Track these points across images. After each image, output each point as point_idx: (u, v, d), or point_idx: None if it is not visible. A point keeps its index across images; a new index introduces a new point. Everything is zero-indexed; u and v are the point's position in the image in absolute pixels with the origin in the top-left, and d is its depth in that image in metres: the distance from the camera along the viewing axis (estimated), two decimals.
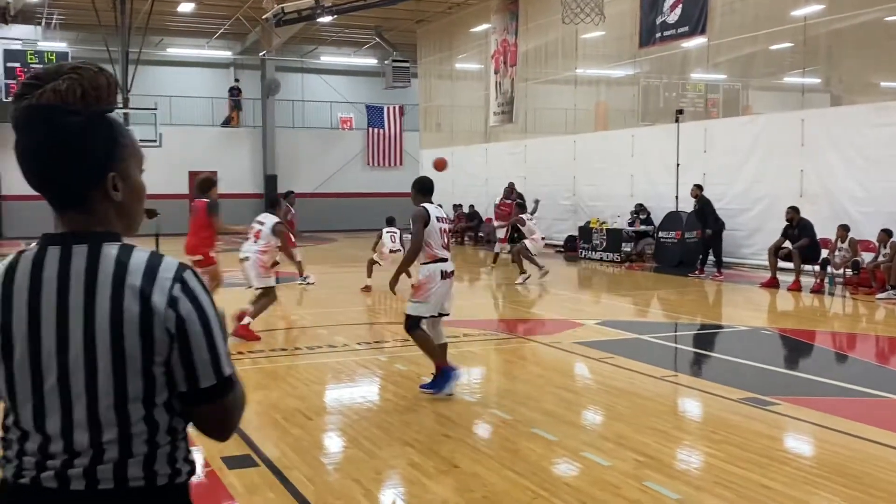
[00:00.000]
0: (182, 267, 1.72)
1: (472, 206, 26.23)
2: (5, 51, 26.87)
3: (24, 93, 1.70)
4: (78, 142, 1.69)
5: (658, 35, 19.31)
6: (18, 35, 26.85)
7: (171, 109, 31.30)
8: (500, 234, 18.49)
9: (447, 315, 7.27)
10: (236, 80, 33.63)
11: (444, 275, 7.00)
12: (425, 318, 7.03)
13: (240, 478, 5.08)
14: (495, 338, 10.29)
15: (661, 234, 18.95)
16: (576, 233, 21.73)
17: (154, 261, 1.69)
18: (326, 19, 24.83)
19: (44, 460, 1.65)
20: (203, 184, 10.23)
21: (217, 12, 28.07)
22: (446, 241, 7.06)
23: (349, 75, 35.62)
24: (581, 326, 10.78)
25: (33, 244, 1.73)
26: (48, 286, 1.65)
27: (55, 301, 1.65)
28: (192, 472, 1.78)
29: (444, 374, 7.05)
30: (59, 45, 28.77)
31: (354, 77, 35.66)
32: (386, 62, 30.90)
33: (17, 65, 26.82)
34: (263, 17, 23.92)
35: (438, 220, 7.01)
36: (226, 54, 33.81)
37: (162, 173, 31.22)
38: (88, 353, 1.63)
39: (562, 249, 22.34)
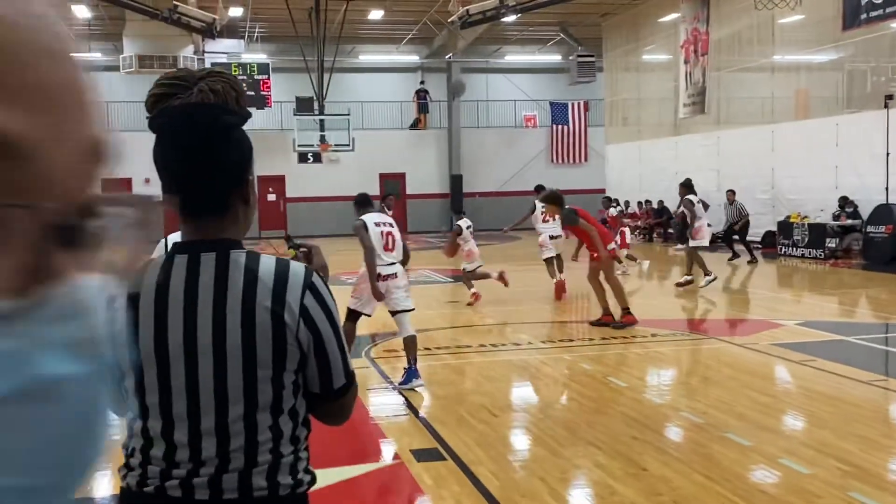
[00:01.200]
0: (309, 272, 1.71)
1: (660, 202, 25.52)
2: (212, 64, 28.92)
3: (171, 92, 1.67)
4: (234, 141, 1.68)
5: (864, 16, 17.96)
6: (224, 49, 28.81)
7: (363, 114, 32.55)
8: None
9: (369, 315, 7.65)
10: (421, 83, 34.47)
11: (380, 277, 7.24)
12: (363, 313, 7.51)
13: (427, 470, 5.18)
14: (686, 338, 9.95)
15: (869, 229, 17.65)
16: (774, 228, 20.65)
17: (282, 268, 1.68)
18: (510, 18, 24.97)
19: (169, 469, 1.65)
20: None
21: (405, 18, 28.90)
22: (389, 243, 7.38)
23: (533, 73, 35.62)
24: (780, 327, 10.20)
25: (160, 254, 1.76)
26: (175, 296, 1.64)
27: (182, 312, 1.64)
28: (313, 482, 1.77)
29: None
30: (260, 57, 30.64)
31: (538, 74, 35.63)
32: (570, 58, 30.69)
33: None
34: (449, 20, 24.39)
35: (377, 225, 7.41)
36: (413, 59, 34.73)
37: (355, 176, 32.52)
38: (218, 364, 1.63)
39: (759, 246, 21.29)
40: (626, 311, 10.27)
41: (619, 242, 15.95)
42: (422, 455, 5.48)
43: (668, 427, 6.22)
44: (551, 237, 13.53)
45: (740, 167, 22.50)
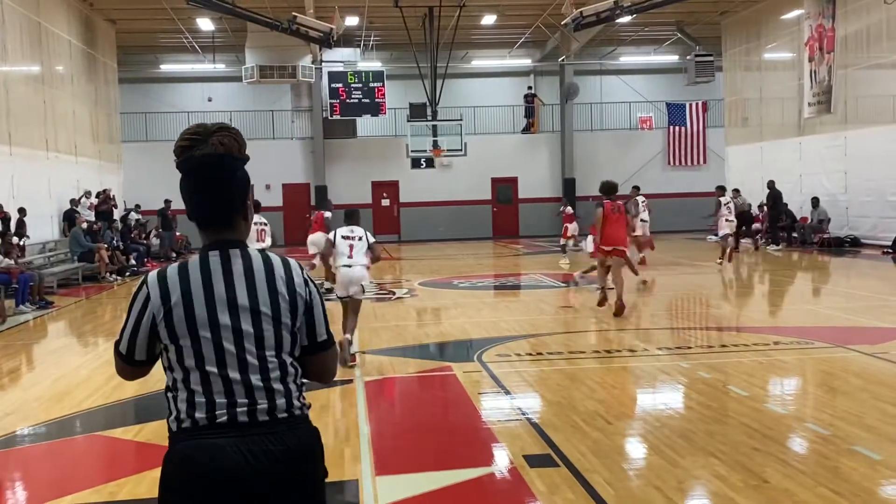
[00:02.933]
0: (298, 262, 2.45)
1: (784, 205, 24.61)
2: (329, 73, 29.64)
3: (192, 145, 2.35)
4: (240, 180, 2.39)
5: None
6: (340, 58, 29.46)
7: (475, 119, 32.68)
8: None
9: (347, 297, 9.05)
10: (529, 88, 34.41)
11: (346, 267, 8.95)
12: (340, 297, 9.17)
13: (541, 476, 5.15)
14: (810, 346, 9.55)
15: None
16: None
17: (284, 259, 2.44)
18: (625, 19, 24.59)
19: (233, 400, 2.26)
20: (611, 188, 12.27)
21: (518, 22, 28.88)
22: (349, 251, 8.93)
23: (648, 74, 35.00)
24: None
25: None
26: (216, 279, 2.32)
27: (224, 289, 2.31)
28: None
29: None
30: (375, 65, 31.19)
31: (654, 75, 34.97)
32: (688, 58, 29.95)
33: (339, 85, 29.47)
34: (563, 22, 24.21)
35: (344, 238, 9.02)
36: (525, 62, 34.66)
37: (467, 181, 32.74)
38: (255, 319, 2.31)
39: (890, 250, 20.26)
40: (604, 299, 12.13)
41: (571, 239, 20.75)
42: (535, 461, 5.45)
43: (791, 438, 5.98)
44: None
45: (869, 168, 21.50)
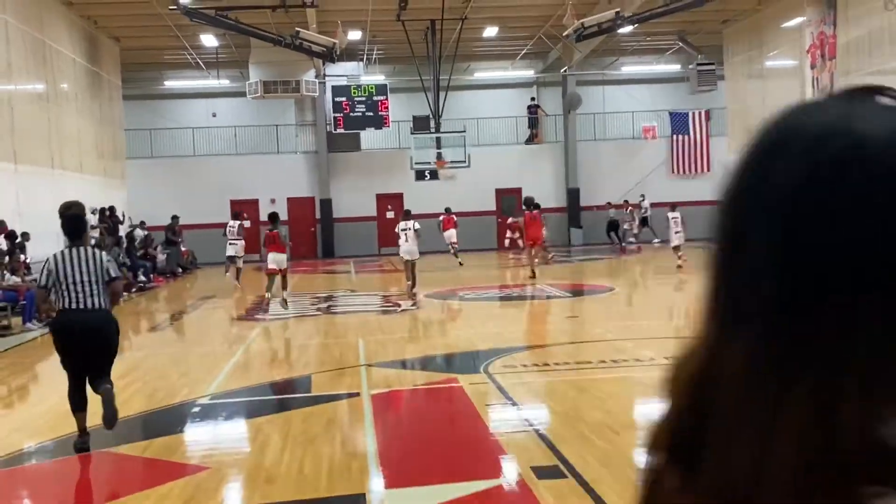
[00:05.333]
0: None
1: None
2: (333, 87, 29.72)
3: (65, 210, 6.72)
4: (84, 223, 7.08)
5: None
6: (343, 72, 29.53)
7: (478, 131, 32.73)
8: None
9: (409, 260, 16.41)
10: (532, 99, 34.46)
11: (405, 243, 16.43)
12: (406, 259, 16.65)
13: (549, 488, 5.13)
14: None
15: None
16: None
17: (100, 251, 6.85)
18: (627, 29, 24.65)
19: (80, 300, 6.39)
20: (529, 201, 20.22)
21: (520, 34, 28.96)
22: (405, 236, 16.23)
23: (651, 83, 35.03)
24: None
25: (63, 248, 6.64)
26: (76, 260, 6.47)
27: (78, 263, 6.44)
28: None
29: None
30: (378, 79, 31.27)
31: (657, 85, 35.01)
32: (690, 66, 30.03)
33: (342, 99, 29.54)
34: (564, 33, 24.28)
35: (402, 231, 16.32)
36: (528, 73, 34.73)
37: (471, 192, 32.73)
38: (90, 273, 6.47)
39: None
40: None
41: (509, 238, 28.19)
42: (543, 472, 5.43)
43: None
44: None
45: None
